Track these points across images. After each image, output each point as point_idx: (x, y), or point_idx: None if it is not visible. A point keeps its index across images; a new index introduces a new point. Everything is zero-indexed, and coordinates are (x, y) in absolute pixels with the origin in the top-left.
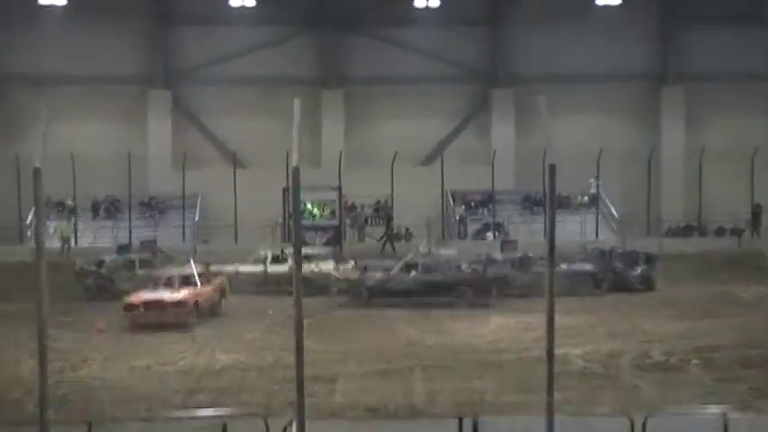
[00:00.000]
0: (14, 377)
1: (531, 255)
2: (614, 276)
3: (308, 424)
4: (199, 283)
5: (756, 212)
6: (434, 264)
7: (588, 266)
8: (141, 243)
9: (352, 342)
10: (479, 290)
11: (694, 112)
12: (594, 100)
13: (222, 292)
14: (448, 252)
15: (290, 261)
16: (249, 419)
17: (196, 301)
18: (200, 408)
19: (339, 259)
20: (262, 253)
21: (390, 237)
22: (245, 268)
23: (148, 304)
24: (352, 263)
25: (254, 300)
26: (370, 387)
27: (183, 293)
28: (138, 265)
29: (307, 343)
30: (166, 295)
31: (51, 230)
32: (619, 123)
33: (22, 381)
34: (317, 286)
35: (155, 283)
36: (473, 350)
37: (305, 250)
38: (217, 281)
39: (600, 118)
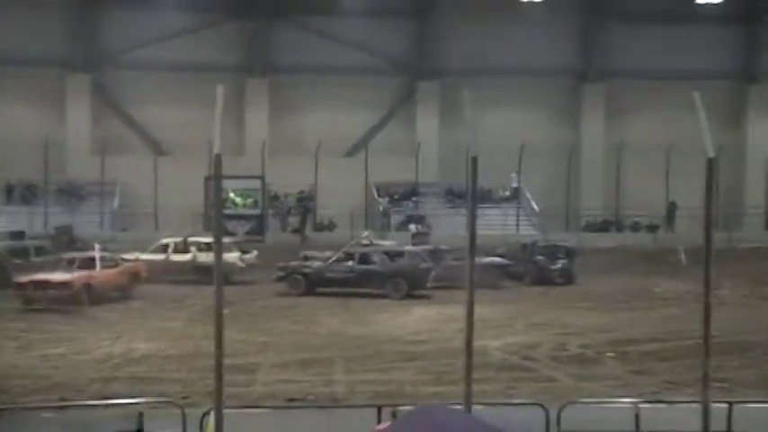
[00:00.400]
0: None
1: (443, 247)
2: (536, 269)
3: (226, 413)
4: (98, 267)
5: (671, 210)
6: (371, 254)
7: (498, 260)
8: (56, 229)
9: (274, 332)
10: (414, 281)
11: (614, 109)
12: (518, 95)
13: (134, 277)
14: (387, 243)
15: (192, 250)
16: (166, 409)
17: (87, 283)
18: (116, 396)
19: (243, 248)
20: (164, 241)
21: (303, 227)
22: (146, 257)
23: (36, 284)
24: (255, 252)
25: (162, 289)
26: (291, 377)
27: (73, 275)
28: (32, 253)
29: (227, 333)
30: (54, 276)
31: None
32: (541, 118)
33: None
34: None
35: (53, 266)
36: (394, 341)
37: (205, 239)
38: (126, 265)
39: (523, 113)
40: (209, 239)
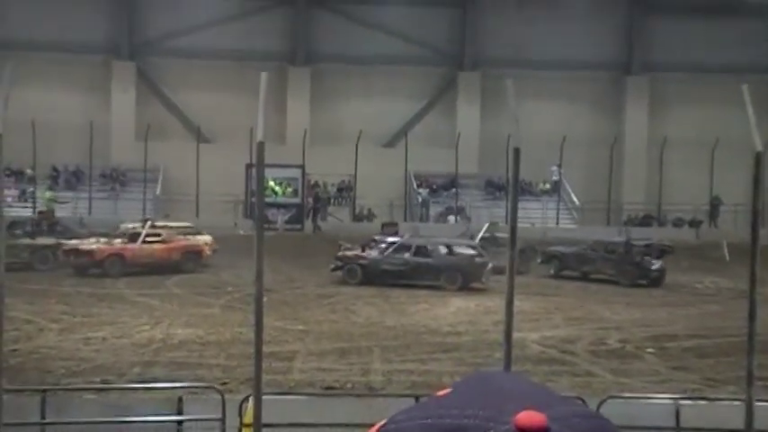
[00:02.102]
0: None
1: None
2: (637, 270)
3: (264, 400)
4: (139, 241)
5: (715, 205)
6: (427, 247)
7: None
8: (39, 213)
9: (311, 321)
10: (470, 273)
11: (658, 103)
12: (560, 87)
13: (192, 254)
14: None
15: (163, 235)
16: (205, 394)
17: (118, 255)
18: (156, 380)
19: (199, 232)
20: (130, 226)
21: (315, 214)
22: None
23: (75, 252)
24: (209, 237)
25: (199, 275)
26: (329, 366)
27: (99, 246)
28: None
29: (265, 320)
30: (83, 245)
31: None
32: (583, 111)
33: None
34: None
35: (109, 237)
36: (432, 332)
37: (173, 223)
38: (180, 243)
39: (564, 105)
40: (175, 224)
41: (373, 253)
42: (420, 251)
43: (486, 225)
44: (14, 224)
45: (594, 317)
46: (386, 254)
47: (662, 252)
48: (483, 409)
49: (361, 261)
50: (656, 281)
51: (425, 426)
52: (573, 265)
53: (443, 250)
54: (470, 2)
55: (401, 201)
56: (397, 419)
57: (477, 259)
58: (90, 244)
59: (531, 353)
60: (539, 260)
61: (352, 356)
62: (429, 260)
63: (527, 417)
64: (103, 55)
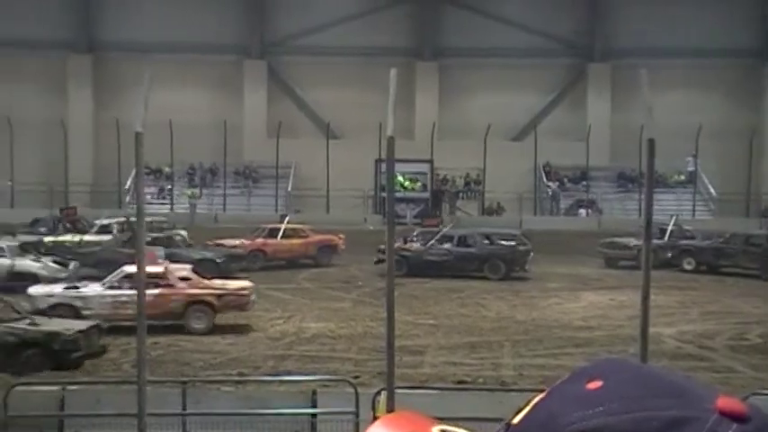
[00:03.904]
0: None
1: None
2: None
3: (396, 393)
4: (278, 237)
5: None
6: (469, 237)
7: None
8: (61, 210)
9: (441, 315)
10: (512, 262)
11: None
12: (693, 76)
13: (327, 249)
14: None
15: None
16: (337, 387)
17: (260, 249)
18: (289, 373)
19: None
20: (104, 222)
21: (434, 211)
22: (90, 238)
23: (220, 247)
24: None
25: (330, 270)
26: (459, 360)
27: (242, 241)
28: None
29: (395, 314)
30: (228, 241)
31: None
32: (718, 100)
33: (117, 341)
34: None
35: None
36: (564, 326)
37: (159, 218)
38: (317, 237)
39: (698, 94)
40: (161, 218)
41: (416, 244)
42: (462, 241)
43: (673, 218)
44: (37, 221)
45: (733, 311)
46: (429, 245)
47: None
48: (676, 398)
49: (404, 253)
50: None
51: (638, 419)
52: (710, 260)
53: (485, 240)
54: None
55: (530, 194)
56: (580, 417)
57: (520, 248)
58: (233, 240)
59: (667, 348)
60: (668, 255)
61: (483, 351)
62: (471, 250)
63: (728, 402)
64: (235, 55)
